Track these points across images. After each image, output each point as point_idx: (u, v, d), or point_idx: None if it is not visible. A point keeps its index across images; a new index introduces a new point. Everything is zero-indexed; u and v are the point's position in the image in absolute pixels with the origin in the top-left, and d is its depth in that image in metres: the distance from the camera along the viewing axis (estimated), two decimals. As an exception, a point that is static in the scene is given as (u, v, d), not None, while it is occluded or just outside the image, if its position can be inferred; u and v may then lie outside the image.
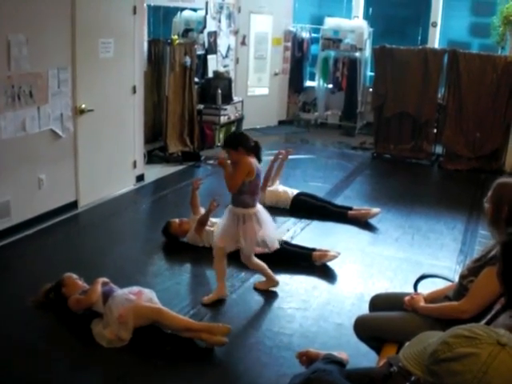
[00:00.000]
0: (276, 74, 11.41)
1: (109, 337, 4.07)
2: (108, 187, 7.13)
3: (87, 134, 6.65)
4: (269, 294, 4.91)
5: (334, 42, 10.92)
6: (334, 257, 5.39)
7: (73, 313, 4.33)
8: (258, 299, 4.83)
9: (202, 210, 5.74)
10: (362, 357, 3.70)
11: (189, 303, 4.69)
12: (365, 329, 3.57)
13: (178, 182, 7.86)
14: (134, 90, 7.41)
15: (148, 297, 4.28)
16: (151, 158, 8.57)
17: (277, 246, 4.79)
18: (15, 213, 5.87)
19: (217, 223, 5.68)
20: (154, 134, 8.94)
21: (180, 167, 8.58)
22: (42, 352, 4.01)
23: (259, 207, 4.74)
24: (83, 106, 6.53)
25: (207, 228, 5.63)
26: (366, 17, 11.29)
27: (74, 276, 4.51)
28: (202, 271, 5.42)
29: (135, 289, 4.34)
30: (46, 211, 6.24)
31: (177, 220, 5.79)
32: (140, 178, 7.76)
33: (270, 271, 4.93)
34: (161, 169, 8.41)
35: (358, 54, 10.77)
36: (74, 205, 6.63)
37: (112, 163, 7.12)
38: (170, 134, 8.82)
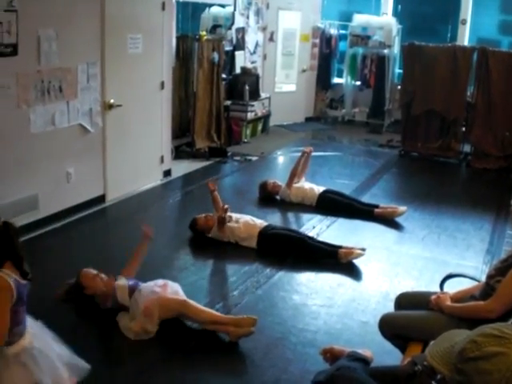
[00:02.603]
0: (304, 71, 11.39)
1: (135, 329, 4.10)
2: (135, 182, 7.18)
3: (115, 129, 6.71)
4: (294, 291, 4.91)
5: (362, 38, 10.88)
6: (360, 254, 5.37)
7: (99, 306, 4.37)
8: (282, 295, 4.83)
9: (226, 206, 5.76)
10: (387, 355, 3.68)
11: (214, 298, 4.71)
12: (390, 327, 3.56)
13: (205, 177, 7.87)
14: (162, 86, 7.45)
15: (173, 289, 4.30)
16: (178, 154, 8.62)
17: None
18: (43, 206, 5.94)
19: (241, 219, 5.72)
20: (182, 129, 8.97)
21: (207, 163, 8.62)
22: (69, 345, 4.05)
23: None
24: (112, 101, 6.58)
25: (229, 224, 5.65)
26: (395, 14, 11.23)
27: (92, 272, 4.39)
28: (227, 266, 5.44)
29: (161, 281, 4.36)
30: (74, 205, 6.31)
31: (202, 216, 5.82)
32: (167, 173, 7.81)
33: None
34: (188, 164, 8.46)
35: (386, 51, 10.72)
36: (101, 199, 6.69)
37: (139, 158, 7.17)
38: (197, 130, 8.85)
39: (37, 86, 5.65)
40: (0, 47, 5.24)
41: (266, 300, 4.75)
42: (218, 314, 4.20)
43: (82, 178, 6.35)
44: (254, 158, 8.99)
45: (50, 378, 2.78)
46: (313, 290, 4.94)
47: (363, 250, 5.41)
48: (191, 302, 4.17)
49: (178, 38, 8.52)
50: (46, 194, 5.94)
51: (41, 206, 5.91)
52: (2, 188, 5.48)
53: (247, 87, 9.68)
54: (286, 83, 11.39)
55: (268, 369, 3.85)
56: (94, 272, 4.42)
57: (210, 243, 5.75)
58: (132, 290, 4.26)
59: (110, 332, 4.20)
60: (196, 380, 3.78)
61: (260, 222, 5.74)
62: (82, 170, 6.33)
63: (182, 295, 4.29)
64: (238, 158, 8.93)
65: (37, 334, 2.86)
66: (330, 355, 3.55)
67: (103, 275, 4.40)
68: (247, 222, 5.70)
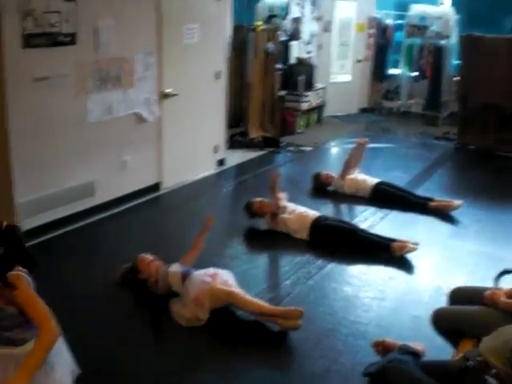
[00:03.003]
0: (359, 61, 11.30)
1: (187, 316, 4.16)
2: (190, 171, 7.26)
3: (171, 118, 6.79)
4: (345, 283, 4.90)
5: (419, 28, 10.70)
6: (414, 248, 5.31)
7: (152, 291, 4.45)
8: (334, 286, 4.83)
9: (283, 196, 5.77)
10: (438, 350, 3.65)
11: (265, 287, 4.73)
12: (443, 322, 3.53)
13: (259, 167, 7.92)
14: (218, 76, 7.50)
15: (223, 279, 4.33)
16: (232, 143, 8.66)
17: None
18: (99, 193, 6.07)
19: (295, 210, 5.72)
20: (236, 119, 9.01)
21: (260, 153, 8.64)
22: (122, 329, 4.15)
23: None
24: (168, 90, 6.66)
25: (283, 216, 5.66)
26: (453, 3, 11.02)
27: (148, 257, 4.56)
28: (279, 256, 5.46)
29: (211, 270, 4.40)
30: (129, 192, 6.43)
31: (257, 200, 5.85)
32: (221, 162, 7.86)
33: None
34: (242, 154, 8.49)
35: (443, 42, 10.53)
36: (156, 187, 6.80)
37: (194, 147, 7.24)
38: (251, 120, 8.89)
39: (95, 75, 5.76)
40: (59, 36, 5.36)
41: (318, 291, 4.75)
42: (265, 305, 4.20)
43: (138, 166, 6.46)
44: (308, 149, 8.97)
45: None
46: (364, 282, 4.93)
47: (416, 244, 5.35)
48: (239, 293, 4.20)
49: (233, 28, 8.54)
50: (102, 182, 6.06)
51: (97, 192, 6.04)
52: (60, 175, 5.63)
53: (302, 77, 9.66)
54: (340, 74, 11.30)
55: (318, 359, 3.86)
56: (151, 257, 4.54)
57: (263, 233, 5.79)
58: (184, 278, 4.32)
59: (162, 317, 4.28)
60: (244, 369, 3.81)
61: (313, 214, 5.73)
62: (137, 158, 6.43)
63: (232, 284, 4.32)
64: (291, 148, 8.93)
65: None
66: (382, 348, 3.55)
67: (158, 262, 4.50)
68: (300, 213, 5.70)
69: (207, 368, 3.78)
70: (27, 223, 5.39)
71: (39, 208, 5.51)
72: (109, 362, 3.77)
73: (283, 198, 5.79)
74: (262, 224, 5.83)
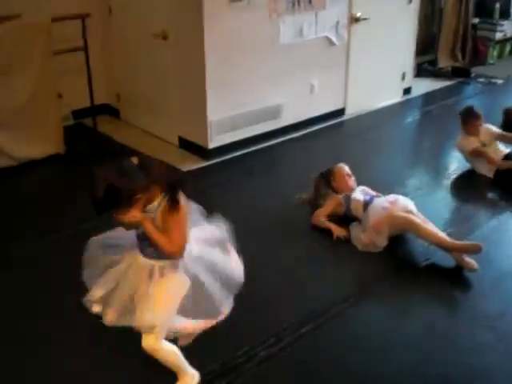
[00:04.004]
0: None
1: (365, 241, 4.21)
2: (375, 97, 7.18)
3: (359, 43, 6.70)
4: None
5: None
6: None
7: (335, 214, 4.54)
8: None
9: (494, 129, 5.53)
10: None
11: (446, 223, 4.61)
12: None
13: (446, 98, 7.66)
14: (410, 0, 7.24)
15: (403, 205, 4.28)
16: (420, 72, 8.43)
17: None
18: (285, 115, 6.19)
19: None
20: (425, 46, 8.69)
21: (448, 83, 8.35)
22: (300, 249, 4.28)
23: None
24: (358, 14, 6.56)
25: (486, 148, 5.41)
26: None
27: (346, 170, 4.63)
28: (461, 192, 5.31)
29: (391, 197, 4.37)
30: (315, 116, 6.51)
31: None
32: (407, 90, 7.69)
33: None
34: (429, 83, 8.25)
35: None
36: (340, 112, 6.83)
37: (381, 74, 7.12)
38: (441, 48, 8.55)
39: (288, -4, 5.79)
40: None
41: (500, 231, 4.58)
42: (444, 236, 4.09)
43: (324, 91, 6.49)
44: (499, 82, 8.52)
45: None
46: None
47: None
48: (419, 221, 4.12)
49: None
50: (289, 104, 6.17)
51: (283, 115, 6.17)
52: (250, 97, 5.81)
53: (498, 5, 9.08)
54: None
55: (493, 301, 3.73)
56: (349, 171, 4.62)
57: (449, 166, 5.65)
58: (366, 205, 4.36)
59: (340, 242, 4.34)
60: (414, 300, 3.76)
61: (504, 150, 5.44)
62: (324, 82, 6.45)
63: (412, 211, 4.26)
64: (481, 79, 8.53)
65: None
66: None
67: (352, 179, 4.59)
68: (498, 148, 5.44)
69: (377, 294, 3.80)
70: (217, 140, 5.67)
71: (228, 127, 5.76)
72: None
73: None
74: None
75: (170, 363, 2.81)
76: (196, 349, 2.88)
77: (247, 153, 5.90)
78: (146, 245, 2.65)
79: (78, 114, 6.44)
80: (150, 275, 2.69)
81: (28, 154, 5.50)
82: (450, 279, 3.98)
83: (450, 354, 3.24)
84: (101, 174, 2.40)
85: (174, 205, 2.55)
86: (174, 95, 5.85)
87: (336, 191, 4.62)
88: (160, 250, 2.62)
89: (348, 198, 4.49)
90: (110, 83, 6.68)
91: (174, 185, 2.58)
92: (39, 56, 5.35)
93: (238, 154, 5.85)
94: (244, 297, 2.94)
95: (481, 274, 3.96)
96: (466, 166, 5.54)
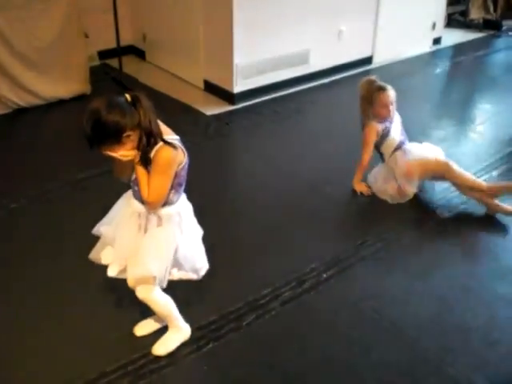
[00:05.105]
0: None
1: (391, 193, 4.13)
2: (404, 46, 7.07)
3: (390, -10, 6.57)
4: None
5: None
6: None
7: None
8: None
9: None
10: None
11: (481, 168, 4.59)
12: None
13: (476, 50, 7.51)
14: None
15: (434, 151, 4.21)
16: (450, 22, 8.27)
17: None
18: (313, 61, 6.12)
19: None
20: (457, -4, 8.53)
21: (479, 35, 8.18)
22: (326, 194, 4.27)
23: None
24: (391, -40, 6.41)
25: None
26: None
27: (392, 97, 4.13)
28: (489, 143, 5.21)
29: (421, 144, 4.28)
30: (342, 63, 6.42)
31: None
32: (437, 41, 7.56)
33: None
34: (459, 34, 8.10)
35: None
36: (368, 60, 6.73)
37: (411, 22, 6.98)
38: (473, -1, 8.37)
39: None
40: None
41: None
42: (477, 180, 4.04)
43: (353, 38, 6.38)
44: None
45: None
46: None
47: None
48: (453, 164, 4.02)
49: None
50: (317, 51, 6.09)
51: (311, 61, 6.09)
52: (278, 41, 5.73)
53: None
54: None
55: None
56: (393, 99, 4.18)
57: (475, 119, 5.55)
58: (397, 147, 4.14)
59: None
60: (438, 250, 3.73)
61: None
62: (353, 29, 6.34)
63: (441, 156, 4.19)
64: (512, 33, 8.38)
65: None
66: None
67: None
68: None
69: (403, 243, 3.76)
70: (243, 84, 5.62)
71: (254, 71, 5.69)
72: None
73: None
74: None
75: (162, 314, 2.81)
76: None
77: (273, 98, 5.84)
78: (138, 190, 2.50)
79: (103, 54, 6.41)
80: (141, 223, 2.58)
81: (54, 93, 5.51)
82: (475, 231, 3.95)
83: (471, 304, 3.24)
84: (90, 109, 2.30)
85: (144, 157, 2.40)
86: (200, 36, 5.78)
87: (373, 116, 4.16)
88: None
89: (387, 132, 4.15)
90: (136, 23, 6.62)
91: (150, 136, 2.38)
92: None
93: (263, 99, 5.80)
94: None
95: (506, 228, 3.93)
96: (493, 118, 5.43)
